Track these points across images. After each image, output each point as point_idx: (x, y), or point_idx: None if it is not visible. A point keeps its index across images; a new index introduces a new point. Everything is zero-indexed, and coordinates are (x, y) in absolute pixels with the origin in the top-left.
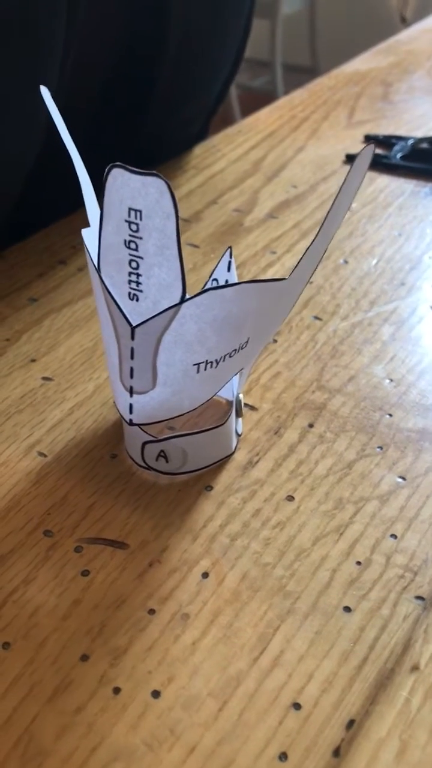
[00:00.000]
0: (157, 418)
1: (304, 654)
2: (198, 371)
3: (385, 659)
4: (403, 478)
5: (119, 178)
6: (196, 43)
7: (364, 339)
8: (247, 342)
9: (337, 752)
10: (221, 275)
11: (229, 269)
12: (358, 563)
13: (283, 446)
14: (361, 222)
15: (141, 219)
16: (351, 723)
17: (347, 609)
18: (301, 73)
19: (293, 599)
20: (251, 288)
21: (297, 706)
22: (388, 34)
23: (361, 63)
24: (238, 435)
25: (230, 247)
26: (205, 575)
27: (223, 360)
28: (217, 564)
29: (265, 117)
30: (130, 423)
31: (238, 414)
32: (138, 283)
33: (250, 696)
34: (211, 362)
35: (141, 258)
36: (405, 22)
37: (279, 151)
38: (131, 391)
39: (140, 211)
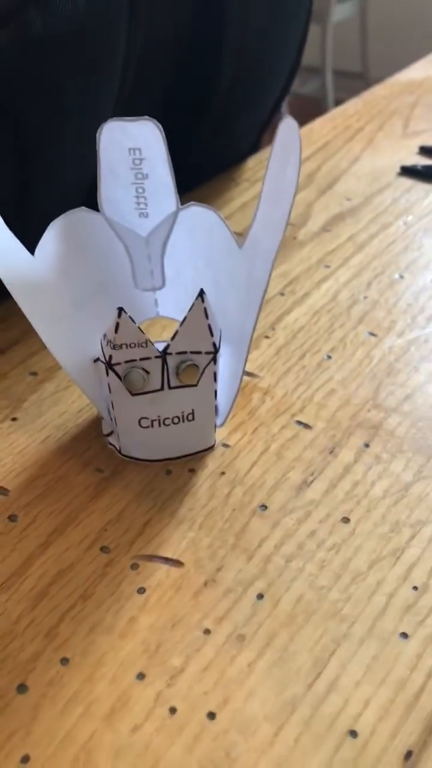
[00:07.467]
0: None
1: (360, 680)
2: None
3: None
4: None
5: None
6: (254, 55)
7: (420, 356)
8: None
9: None
10: None
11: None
12: (415, 588)
13: (338, 466)
14: (417, 236)
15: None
16: (409, 754)
17: (404, 635)
18: (352, 79)
19: (349, 623)
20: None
21: (353, 733)
22: None
23: (416, 71)
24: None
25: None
26: (260, 596)
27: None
28: (272, 585)
29: (318, 127)
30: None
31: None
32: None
33: (306, 721)
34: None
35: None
36: None
37: (333, 162)
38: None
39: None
